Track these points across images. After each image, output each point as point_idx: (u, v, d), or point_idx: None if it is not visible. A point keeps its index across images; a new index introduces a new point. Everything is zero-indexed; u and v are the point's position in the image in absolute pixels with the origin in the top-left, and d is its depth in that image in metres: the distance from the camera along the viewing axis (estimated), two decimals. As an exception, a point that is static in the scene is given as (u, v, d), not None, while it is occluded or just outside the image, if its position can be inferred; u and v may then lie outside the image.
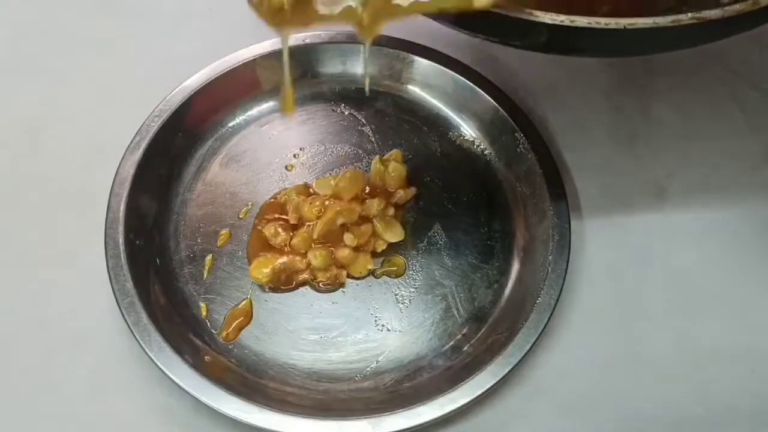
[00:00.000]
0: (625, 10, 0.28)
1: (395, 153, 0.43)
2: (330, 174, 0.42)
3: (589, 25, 0.26)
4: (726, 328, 0.39)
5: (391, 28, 0.44)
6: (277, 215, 0.41)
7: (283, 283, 0.39)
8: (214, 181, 0.42)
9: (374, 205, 0.40)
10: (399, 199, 0.41)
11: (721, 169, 0.44)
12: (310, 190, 0.42)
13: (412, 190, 0.42)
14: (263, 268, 0.39)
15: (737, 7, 0.25)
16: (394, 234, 0.40)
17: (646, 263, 0.41)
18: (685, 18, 0.25)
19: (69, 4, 0.48)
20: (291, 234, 0.40)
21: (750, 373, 0.38)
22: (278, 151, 0.43)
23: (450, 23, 0.31)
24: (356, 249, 0.39)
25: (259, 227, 0.40)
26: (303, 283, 0.39)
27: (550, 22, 0.27)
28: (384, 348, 0.38)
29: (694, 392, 0.37)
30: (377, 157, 0.43)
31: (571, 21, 0.26)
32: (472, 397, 0.34)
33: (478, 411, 0.36)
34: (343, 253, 0.39)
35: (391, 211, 0.41)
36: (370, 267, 0.39)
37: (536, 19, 0.27)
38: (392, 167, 0.42)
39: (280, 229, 0.40)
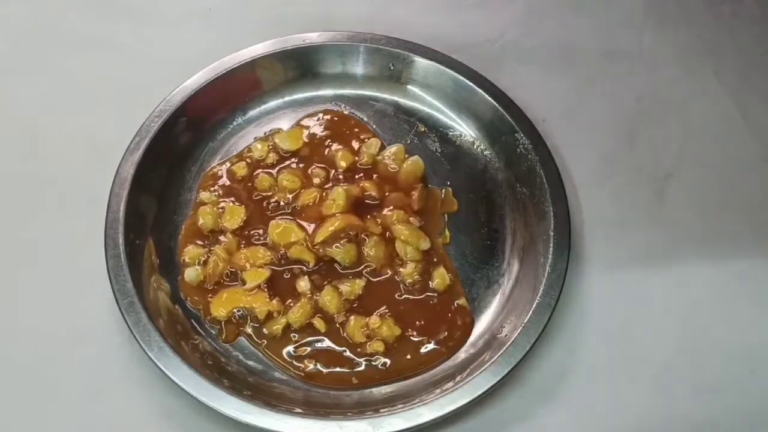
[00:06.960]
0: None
1: (398, 147, 0.43)
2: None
3: None
4: (726, 329, 0.39)
5: (391, 28, 0.45)
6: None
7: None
8: (214, 181, 0.42)
9: (397, 218, 0.40)
10: (416, 201, 0.40)
11: (720, 170, 0.44)
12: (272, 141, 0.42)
13: (423, 189, 0.41)
14: (221, 308, 0.37)
15: None
16: (425, 242, 0.39)
17: (645, 263, 0.41)
18: None
19: (69, 4, 0.48)
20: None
21: (750, 373, 0.38)
22: (278, 151, 0.43)
23: None
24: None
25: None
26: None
27: None
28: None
29: (694, 392, 0.37)
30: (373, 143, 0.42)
31: None
32: (472, 397, 0.34)
33: (478, 411, 0.36)
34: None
35: (417, 222, 0.40)
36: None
37: None
38: (410, 160, 0.42)
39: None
